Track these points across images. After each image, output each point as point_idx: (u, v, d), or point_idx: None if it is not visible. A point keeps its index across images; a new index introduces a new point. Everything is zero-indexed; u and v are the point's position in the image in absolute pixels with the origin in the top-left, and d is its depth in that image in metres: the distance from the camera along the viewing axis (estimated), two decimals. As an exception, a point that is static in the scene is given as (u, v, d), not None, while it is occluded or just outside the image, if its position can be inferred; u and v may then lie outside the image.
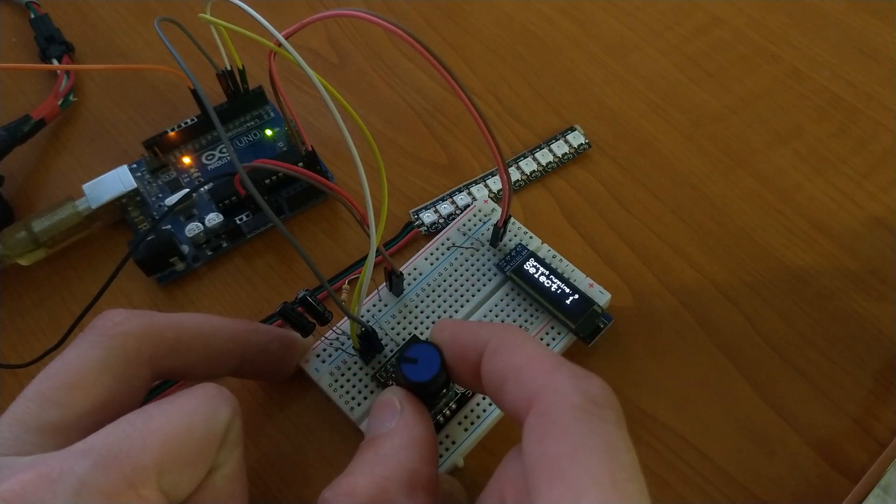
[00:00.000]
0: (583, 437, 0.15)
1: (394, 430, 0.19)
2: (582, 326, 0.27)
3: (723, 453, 0.26)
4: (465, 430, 0.25)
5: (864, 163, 0.34)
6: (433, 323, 0.27)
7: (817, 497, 0.25)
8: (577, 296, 0.27)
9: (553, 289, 0.27)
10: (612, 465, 0.15)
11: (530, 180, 0.33)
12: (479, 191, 0.32)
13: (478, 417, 0.25)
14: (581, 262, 0.29)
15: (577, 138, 0.34)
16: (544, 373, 0.17)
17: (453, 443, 0.25)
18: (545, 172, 0.33)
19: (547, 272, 0.28)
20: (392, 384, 0.25)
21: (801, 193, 0.33)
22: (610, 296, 0.28)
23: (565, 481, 0.15)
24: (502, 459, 0.19)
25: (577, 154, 0.34)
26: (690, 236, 0.32)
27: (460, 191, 0.32)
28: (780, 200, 0.33)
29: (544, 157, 0.33)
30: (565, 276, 0.28)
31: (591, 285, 0.28)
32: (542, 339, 0.27)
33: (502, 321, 0.27)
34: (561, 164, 0.33)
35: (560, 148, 0.34)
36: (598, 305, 0.27)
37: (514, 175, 0.33)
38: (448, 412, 0.25)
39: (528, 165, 0.33)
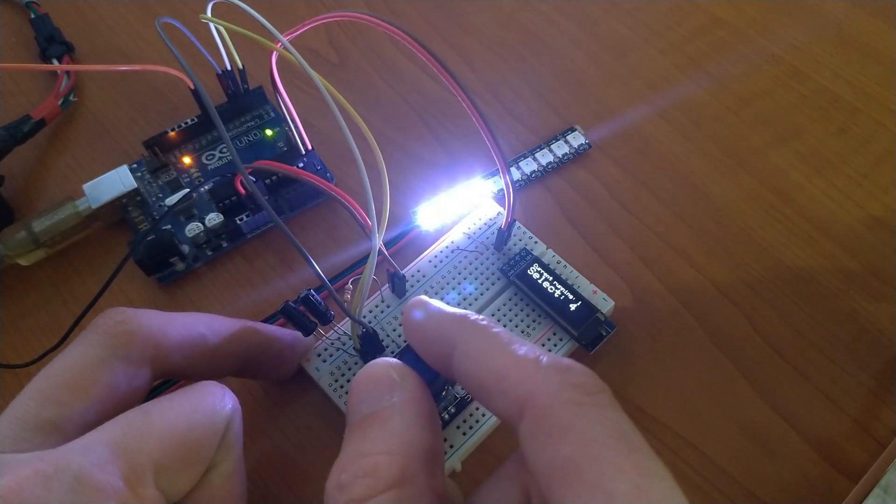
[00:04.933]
0: (590, 432, 0.15)
1: (400, 405, 0.18)
2: (584, 334, 0.27)
3: (723, 453, 0.26)
4: (464, 434, 0.25)
5: (864, 163, 0.34)
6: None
7: (817, 497, 0.25)
8: (580, 303, 0.27)
9: (556, 295, 0.27)
10: (629, 450, 0.15)
11: (530, 180, 0.33)
12: (480, 191, 0.32)
13: (476, 422, 0.25)
14: (581, 262, 0.29)
15: (577, 138, 0.34)
16: (527, 377, 0.16)
17: (451, 447, 0.25)
18: (545, 172, 0.33)
19: (550, 278, 0.27)
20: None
21: (801, 193, 0.33)
22: (613, 303, 0.28)
23: (588, 480, 0.14)
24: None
25: (577, 154, 0.34)
26: (690, 236, 0.32)
27: (460, 191, 0.32)
28: (780, 200, 0.33)
29: (544, 157, 0.33)
30: (569, 282, 0.28)
31: (594, 292, 0.28)
32: (543, 346, 0.27)
33: (504, 325, 0.27)
34: (561, 164, 0.33)
35: (560, 148, 0.34)
36: (601, 313, 0.27)
37: (514, 175, 0.33)
38: (447, 416, 0.25)
39: (528, 165, 0.33)
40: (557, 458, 0.15)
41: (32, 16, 0.37)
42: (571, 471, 0.14)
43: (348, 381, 0.26)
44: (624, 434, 0.15)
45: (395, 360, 0.19)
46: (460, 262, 0.29)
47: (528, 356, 0.17)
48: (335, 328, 0.27)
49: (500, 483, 0.18)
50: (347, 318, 0.24)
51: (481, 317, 0.18)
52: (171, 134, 0.32)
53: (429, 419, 0.18)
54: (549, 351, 0.27)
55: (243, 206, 0.31)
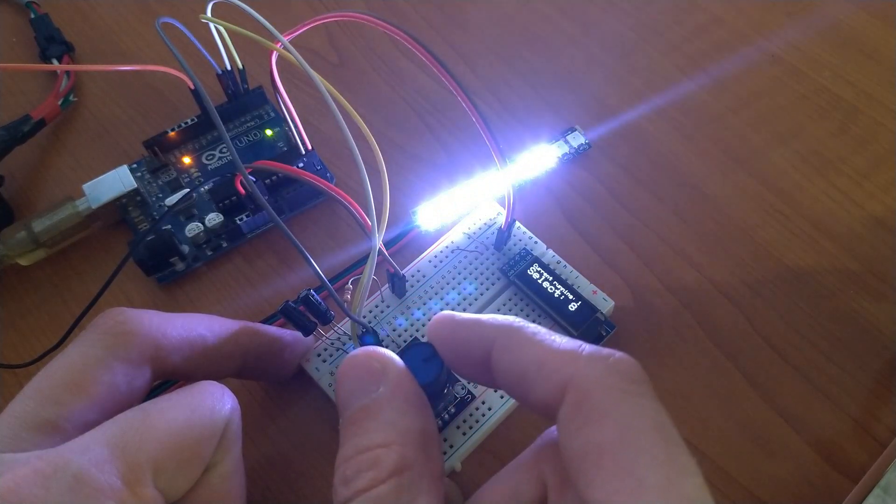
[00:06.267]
0: (629, 419, 0.15)
1: (388, 395, 0.18)
2: (584, 334, 0.27)
3: (723, 453, 0.26)
4: (464, 433, 0.25)
5: (864, 163, 0.34)
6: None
7: (817, 497, 0.25)
8: (580, 303, 0.27)
9: (556, 295, 0.27)
10: (665, 441, 0.15)
11: (530, 180, 0.33)
12: (480, 191, 0.32)
13: (476, 422, 0.25)
14: (581, 262, 0.29)
15: (577, 138, 0.34)
16: (569, 361, 0.16)
17: (451, 447, 0.25)
18: (545, 172, 0.33)
19: (550, 278, 0.27)
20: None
21: (801, 193, 0.33)
22: (613, 303, 0.28)
23: (622, 465, 0.14)
24: (542, 435, 0.18)
25: (577, 154, 0.34)
26: (690, 236, 0.32)
27: (460, 191, 0.32)
28: (780, 200, 0.33)
29: (544, 157, 0.33)
30: (569, 282, 0.28)
31: (594, 292, 0.28)
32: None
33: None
34: (561, 164, 0.33)
35: (560, 148, 0.34)
36: (601, 313, 0.27)
37: (514, 175, 0.33)
38: (447, 416, 0.25)
39: (528, 165, 0.33)
40: (593, 441, 0.15)
41: (32, 16, 0.37)
42: (605, 454, 0.15)
43: (348, 381, 0.26)
44: (662, 426, 0.15)
45: (372, 348, 0.20)
46: (460, 262, 0.29)
47: (569, 345, 0.17)
48: (335, 328, 0.27)
49: (516, 473, 0.18)
50: (347, 318, 0.24)
51: (515, 318, 0.19)
52: (171, 134, 0.32)
53: (417, 403, 0.19)
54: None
55: (243, 206, 0.31)
